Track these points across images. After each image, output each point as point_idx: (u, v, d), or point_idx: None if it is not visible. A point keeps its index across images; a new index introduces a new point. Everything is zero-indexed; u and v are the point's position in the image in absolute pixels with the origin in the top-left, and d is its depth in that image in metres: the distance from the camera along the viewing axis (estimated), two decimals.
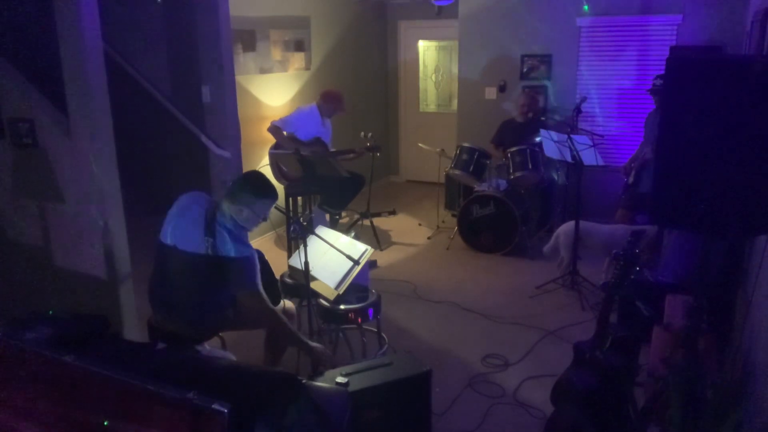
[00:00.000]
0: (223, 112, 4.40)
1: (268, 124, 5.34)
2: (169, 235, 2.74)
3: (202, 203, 2.77)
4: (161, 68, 4.59)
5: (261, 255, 2.89)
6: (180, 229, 2.72)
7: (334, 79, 6.56)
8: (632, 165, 5.21)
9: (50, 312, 2.92)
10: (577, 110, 5.68)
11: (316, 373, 2.64)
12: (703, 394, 2.19)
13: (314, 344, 2.82)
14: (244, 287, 2.70)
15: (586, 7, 5.86)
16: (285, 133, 5.22)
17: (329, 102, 5.47)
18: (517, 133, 5.80)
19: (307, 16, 6.29)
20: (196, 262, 2.68)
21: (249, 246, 2.73)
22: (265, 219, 2.81)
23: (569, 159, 4.63)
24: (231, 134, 4.46)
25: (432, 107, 8.16)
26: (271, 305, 2.77)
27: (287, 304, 3.19)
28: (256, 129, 5.47)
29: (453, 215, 6.14)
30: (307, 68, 6.36)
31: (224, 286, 2.72)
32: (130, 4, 4.53)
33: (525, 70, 6.34)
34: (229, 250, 2.65)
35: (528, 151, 5.40)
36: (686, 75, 1.97)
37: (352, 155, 5.47)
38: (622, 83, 6.00)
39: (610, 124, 6.11)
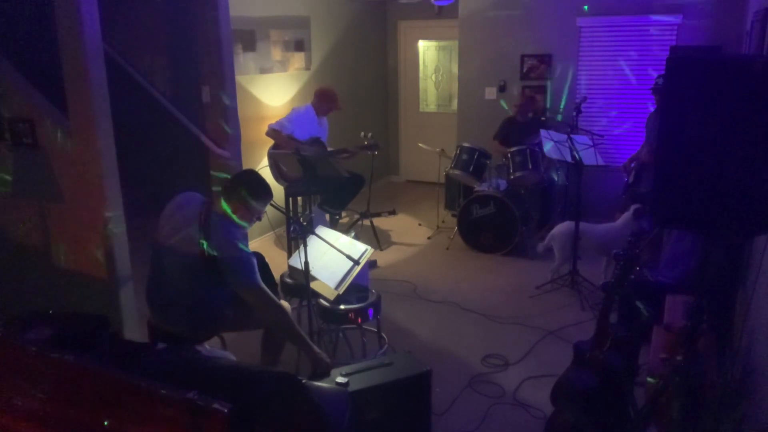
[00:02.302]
0: (223, 112, 4.39)
1: (267, 124, 5.34)
2: (164, 235, 2.75)
3: (196, 203, 2.77)
4: (161, 68, 4.59)
5: (261, 257, 2.89)
6: (175, 229, 2.72)
7: (334, 79, 6.56)
8: (632, 165, 5.21)
9: (50, 312, 2.92)
10: (577, 110, 5.69)
11: (315, 375, 2.64)
12: (703, 394, 2.19)
13: (317, 349, 2.75)
14: (242, 285, 2.69)
15: (586, 7, 5.87)
16: (284, 134, 5.22)
17: (323, 100, 5.45)
18: (518, 133, 5.81)
19: (307, 16, 6.29)
20: (191, 262, 2.67)
21: (244, 244, 2.71)
22: (259, 218, 2.82)
23: (569, 159, 4.64)
24: (231, 134, 4.45)
25: (432, 107, 8.15)
26: (275, 299, 2.76)
27: (283, 304, 3.19)
28: (256, 129, 5.47)
29: (453, 215, 6.14)
30: (307, 68, 6.36)
31: (220, 285, 2.71)
32: (130, 4, 4.52)
33: (525, 70, 6.34)
34: (224, 249, 2.64)
35: (528, 151, 5.40)
36: (686, 75, 1.97)
37: (345, 155, 5.46)
38: (622, 83, 6.00)
39: (610, 124, 6.11)
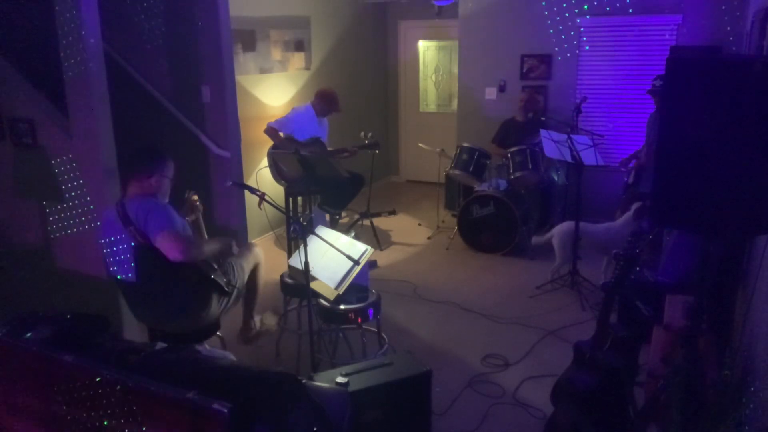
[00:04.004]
0: (223, 112, 4.40)
1: (267, 123, 5.34)
2: (107, 251, 2.84)
3: (111, 209, 2.84)
4: (161, 68, 4.59)
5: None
6: (111, 240, 2.80)
7: (334, 79, 6.56)
8: (630, 164, 5.21)
9: (50, 312, 2.92)
10: (577, 110, 5.68)
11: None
12: (703, 394, 2.19)
13: (222, 240, 2.99)
14: (157, 235, 2.67)
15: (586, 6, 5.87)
16: (281, 134, 5.21)
17: (324, 102, 5.45)
18: (518, 133, 5.80)
19: (307, 16, 6.29)
20: (137, 255, 2.73)
21: (155, 203, 2.75)
22: (171, 179, 2.88)
23: (569, 159, 4.63)
24: (231, 134, 4.46)
25: (432, 107, 8.15)
26: (189, 239, 2.78)
27: (255, 249, 3.30)
28: (256, 129, 5.47)
29: (453, 215, 6.14)
30: (307, 68, 6.36)
31: (170, 265, 2.72)
32: (131, 4, 4.52)
33: (525, 70, 6.34)
34: (144, 219, 2.69)
35: (528, 151, 5.40)
36: (686, 75, 1.96)
37: (345, 154, 5.46)
38: (622, 83, 6.00)
39: (610, 124, 6.11)
